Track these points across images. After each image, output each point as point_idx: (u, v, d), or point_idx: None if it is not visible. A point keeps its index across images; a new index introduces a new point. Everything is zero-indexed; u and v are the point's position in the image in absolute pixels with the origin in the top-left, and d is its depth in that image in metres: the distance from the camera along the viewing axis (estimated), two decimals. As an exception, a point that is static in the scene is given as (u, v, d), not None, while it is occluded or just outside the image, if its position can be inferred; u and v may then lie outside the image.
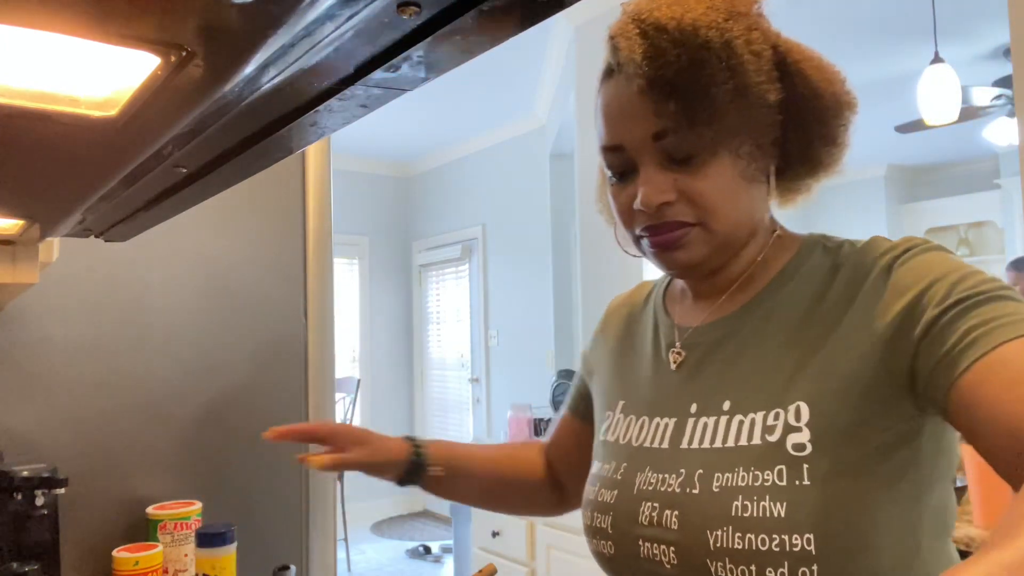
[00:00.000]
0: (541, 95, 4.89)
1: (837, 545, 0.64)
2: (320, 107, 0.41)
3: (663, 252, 0.77)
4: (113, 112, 0.37)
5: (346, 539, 4.98)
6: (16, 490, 1.12)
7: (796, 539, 0.64)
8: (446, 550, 5.08)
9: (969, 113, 3.66)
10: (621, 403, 0.87)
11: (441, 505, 6.04)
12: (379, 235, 6.40)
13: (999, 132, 4.18)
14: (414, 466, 0.96)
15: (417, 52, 0.34)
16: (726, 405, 0.75)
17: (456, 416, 6.03)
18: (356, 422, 5.94)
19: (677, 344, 0.83)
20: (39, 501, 1.13)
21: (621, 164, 0.77)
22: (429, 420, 6.35)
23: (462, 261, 5.99)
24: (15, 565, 1.10)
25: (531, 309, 5.26)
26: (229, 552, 1.22)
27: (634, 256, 0.84)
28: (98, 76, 0.34)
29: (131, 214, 0.74)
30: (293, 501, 1.48)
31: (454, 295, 6.11)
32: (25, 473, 1.13)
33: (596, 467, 0.85)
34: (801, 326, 0.74)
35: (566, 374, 3.14)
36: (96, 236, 0.89)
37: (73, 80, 0.35)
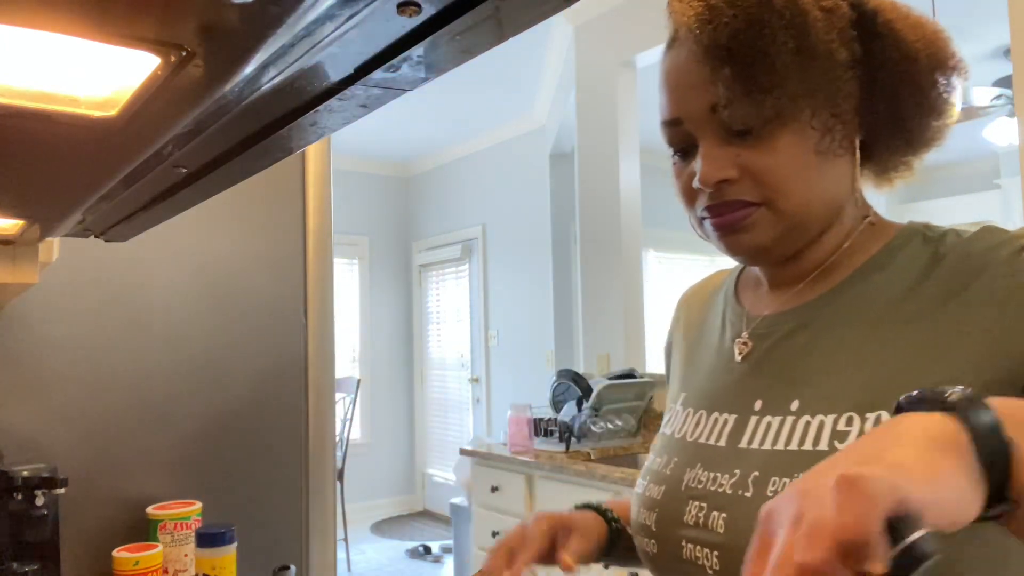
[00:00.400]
0: (541, 95, 4.89)
1: None
2: (320, 107, 0.41)
3: (725, 235, 0.70)
4: (113, 112, 0.37)
5: (346, 539, 4.98)
6: (16, 490, 1.12)
7: None
8: (446, 550, 5.08)
9: (969, 113, 3.66)
10: (683, 395, 0.82)
11: (441, 505, 6.04)
12: (379, 235, 6.40)
13: (999, 132, 4.18)
14: (615, 532, 0.85)
15: (417, 52, 0.34)
16: (794, 405, 0.67)
17: (456, 416, 6.03)
18: (356, 422, 5.94)
19: (744, 333, 0.76)
20: (39, 501, 1.13)
21: (681, 140, 0.71)
22: (429, 420, 6.35)
23: (462, 261, 5.99)
24: (15, 565, 1.10)
25: (531, 309, 5.26)
26: (229, 552, 1.22)
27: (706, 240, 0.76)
28: (98, 76, 0.34)
29: (131, 214, 0.74)
30: (293, 501, 1.48)
31: (454, 295, 6.11)
32: (25, 473, 1.13)
33: (649, 460, 0.80)
34: (889, 321, 0.65)
35: (566, 374, 3.14)
36: (96, 236, 0.89)
37: (73, 80, 0.35)
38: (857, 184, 0.72)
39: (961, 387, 0.45)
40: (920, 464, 0.40)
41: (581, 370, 3.44)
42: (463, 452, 3.18)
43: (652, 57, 3.43)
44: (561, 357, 4.88)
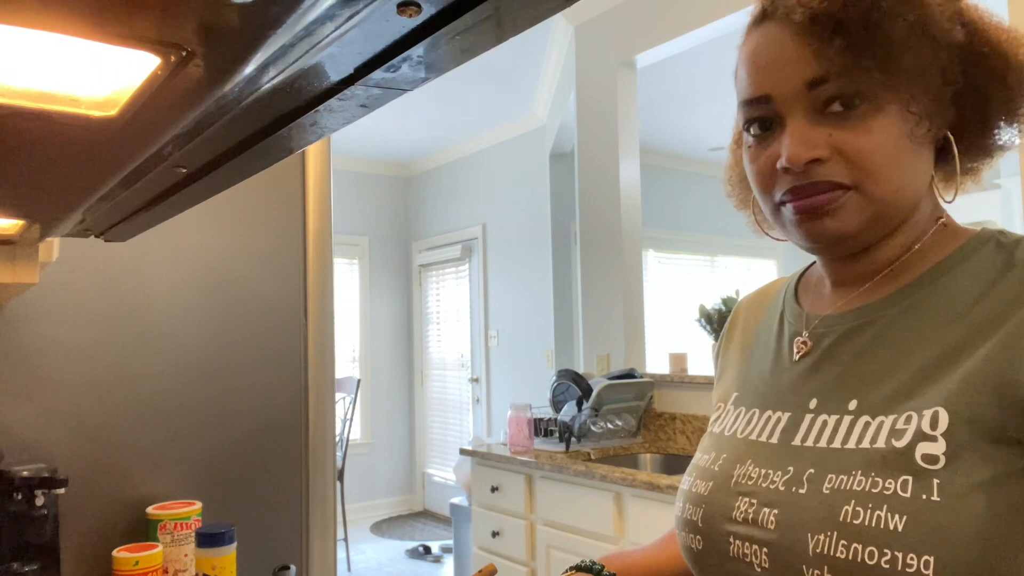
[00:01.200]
0: (541, 95, 4.89)
1: (961, 574, 0.55)
2: (320, 107, 0.41)
3: (809, 219, 0.66)
4: (113, 112, 0.37)
5: (346, 539, 4.98)
6: (16, 490, 1.12)
7: (912, 559, 0.56)
8: (446, 550, 5.08)
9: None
10: (735, 395, 0.80)
11: (441, 505, 6.04)
12: (379, 235, 6.40)
13: (999, 132, 4.17)
14: None
15: (417, 52, 0.34)
16: (852, 404, 0.66)
17: (456, 416, 6.03)
18: (356, 422, 5.94)
19: (804, 333, 0.74)
20: (39, 501, 1.13)
21: (764, 119, 0.68)
22: (429, 420, 6.35)
23: (462, 261, 5.99)
24: (15, 565, 1.10)
25: (531, 309, 5.26)
26: (229, 552, 1.22)
27: (776, 239, 0.74)
28: (98, 76, 0.34)
29: (131, 214, 0.74)
30: (293, 501, 1.48)
31: (454, 295, 6.11)
32: (25, 473, 1.13)
33: (696, 458, 0.79)
34: (953, 324, 0.63)
35: (566, 374, 3.14)
36: (96, 236, 0.89)
37: (73, 80, 0.35)
38: (935, 181, 0.70)
39: None
40: None
41: (581, 370, 3.44)
42: (463, 452, 3.18)
43: (652, 57, 3.43)
44: (561, 357, 4.88)
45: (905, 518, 0.57)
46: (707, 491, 0.73)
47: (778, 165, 0.66)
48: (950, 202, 0.72)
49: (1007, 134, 0.69)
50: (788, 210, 0.68)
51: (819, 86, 0.64)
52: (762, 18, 0.69)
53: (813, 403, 0.69)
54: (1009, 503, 0.57)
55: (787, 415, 0.71)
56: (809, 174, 0.65)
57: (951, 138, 0.68)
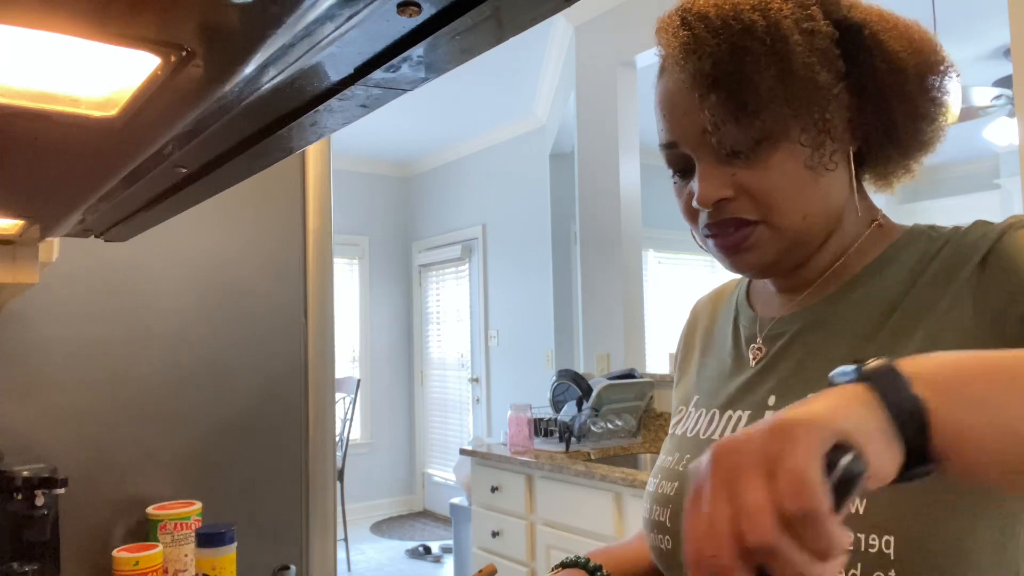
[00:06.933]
0: (541, 95, 4.89)
1: (920, 552, 0.58)
2: (320, 107, 0.41)
3: (729, 255, 0.72)
4: (113, 112, 0.37)
5: (346, 539, 4.98)
6: (16, 490, 1.12)
7: (874, 539, 0.59)
8: (446, 550, 5.08)
9: (969, 113, 3.65)
10: (695, 398, 0.83)
11: (441, 505, 6.04)
12: (379, 235, 6.40)
13: (999, 132, 4.18)
14: None
15: (417, 52, 0.34)
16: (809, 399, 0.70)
17: (456, 416, 6.03)
18: (356, 422, 5.94)
19: (758, 339, 0.78)
20: (39, 501, 1.13)
21: (679, 161, 0.73)
22: (429, 420, 6.35)
23: (462, 261, 5.99)
24: (15, 565, 1.10)
25: (531, 309, 5.26)
26: (229, 552, 1.22)
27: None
28: (98, 76, 0.34)
29: (131, 214, 0.74)
30: (293, 501, 1.48)
31: (454, 295, 6.11)
32: (25, 473, 1.13)
33: (660, 460, 0.82)
34: (891, 314, 0.68)
35: (566, 374, 3.13)
36: (96, 236, 0.89)
37: (73, 80, 0.35)
38: (854, 192, 0.74)
39: (879, 358, 0.48)
40: (835, 408, 0.44)
41: (581, 370, 3.44)
42: (463, 452, 3.18)
43: (652, 57, 3.42)
44: (561, 357, 4.88)
45: (865, 501, 0.60)
46: (673, 491, 0.75)
47: (692, 204, 0.72)
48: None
49: (922, 135, 0.72)
50: (711, 244, 0.73)
51: (711, 135, 0.68)
52: (663, 70, 0.73)
53: (772, 400, 0.73)
54: None
55: (747, 414, 0.74)
56: (720, 211, 0.70)
57: (850, 155, 0.72)
